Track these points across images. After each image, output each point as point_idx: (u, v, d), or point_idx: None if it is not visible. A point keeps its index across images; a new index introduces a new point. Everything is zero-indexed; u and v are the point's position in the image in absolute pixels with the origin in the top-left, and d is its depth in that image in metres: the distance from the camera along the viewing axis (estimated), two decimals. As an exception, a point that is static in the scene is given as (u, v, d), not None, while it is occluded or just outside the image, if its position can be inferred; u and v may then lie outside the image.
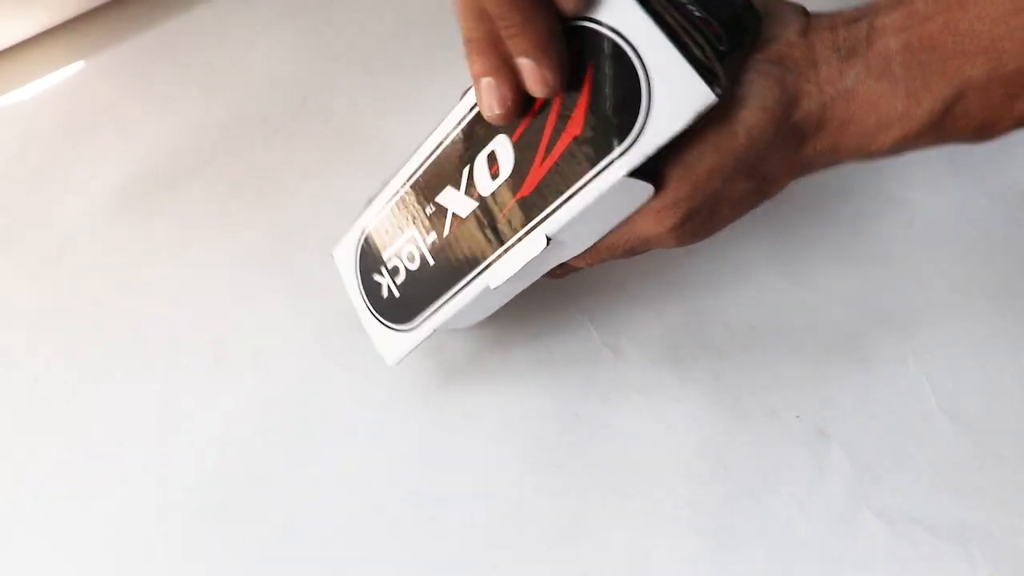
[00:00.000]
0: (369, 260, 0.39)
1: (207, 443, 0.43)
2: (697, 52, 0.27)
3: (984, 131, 0.29)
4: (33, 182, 0.53)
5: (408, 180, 0.36)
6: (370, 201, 0.39)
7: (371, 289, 0.39)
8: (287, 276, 0.48)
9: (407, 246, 0.37)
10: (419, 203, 0.36)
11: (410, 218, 0.36)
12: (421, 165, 0.35)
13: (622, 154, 0.29)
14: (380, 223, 0.38)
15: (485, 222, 0.33)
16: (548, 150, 0.30)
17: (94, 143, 0.54)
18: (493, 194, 0.33)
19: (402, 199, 0.37)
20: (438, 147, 0.34)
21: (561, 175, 0.30)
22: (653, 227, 0.31)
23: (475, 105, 0.32)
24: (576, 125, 0.29)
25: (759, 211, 0.47)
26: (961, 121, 0.28)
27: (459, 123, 0.33)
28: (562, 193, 0.31)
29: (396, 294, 0.38)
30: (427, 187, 0.35)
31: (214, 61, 0.56)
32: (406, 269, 0.37)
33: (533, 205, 0.32)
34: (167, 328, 0.47)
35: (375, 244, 0.39)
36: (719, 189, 0.30)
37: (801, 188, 0.48)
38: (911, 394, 0.41)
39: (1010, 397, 0.41)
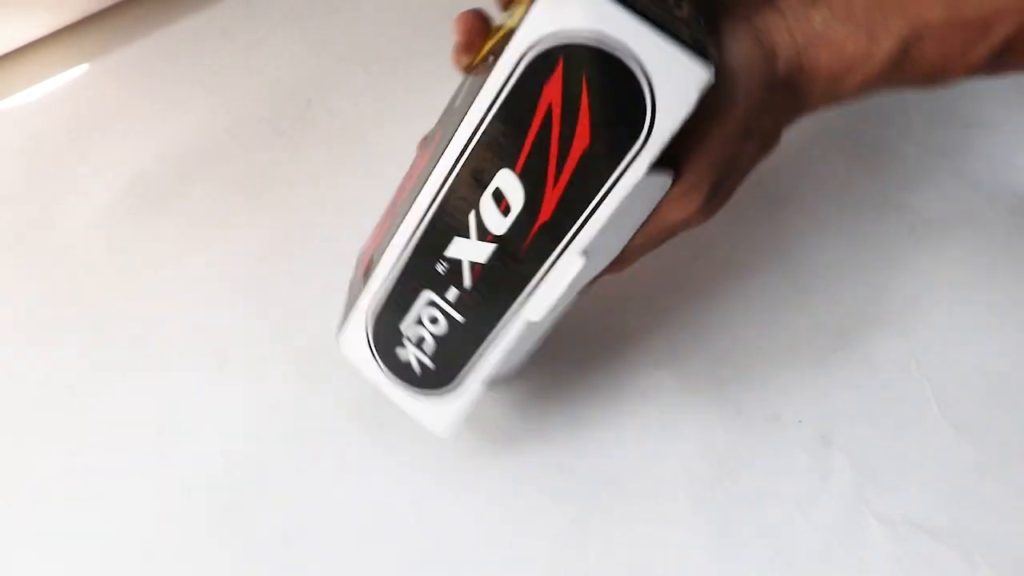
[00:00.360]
0: (385, 339, 0.36)
1: (210, 446, 0.43)
2: (684, 34, 0.28)
3: (939, 76, 0.30)
4: (38, 183, 0.53)
5: (407, 244, 0.34)
6: (362, 274, 0.36)
7: (398, 368, 0.36)
8: (291, 277, 0.48)
9: (426, 310, 0.34)
10: (426, 264, 0.34)
11: (421, 282, 0.34)
12: (418, 226, 0.33)
13: (638, 152, 0.29)
14: (386, 297, 0.35)
15: (509, 260, 0.32)
16: (559, 170, 0.30)
17: (99, 145, 0.54)
18: (509, 230, 0.32)
19: (405, 266, 0.34)
20: (432, 203, 0.33)
21: (579, 191, 0.30)
22: (681, 212, 0.32)
23: (464, 150, 0.31)
24: (583, 138, 0.29)
25: (761, 217, 0.47)
26: (918, 64, 0.30)
27: (449, 174, 0.32)
28: (584, 208, 0.30)
29: (430, 364, 0.36)
30: (432, 246, 0.33)
31: (218, 63, 0.57)
32: (432, 335, 0.35)
33: (556, 228, 0.31)
34: (171, 330, 0.47)
35: (387, 320, 0.36)
36: (731, 157, 0.31)
37: (803, 192, 0.48)
38: (913, 399, 0.41)
39: (1012, 402, 0.41)
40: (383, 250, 0.35)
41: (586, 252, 0.31)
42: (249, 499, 0.41)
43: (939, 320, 0.43)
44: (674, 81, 0.28)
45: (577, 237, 0.31)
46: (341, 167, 0.51)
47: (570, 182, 0.30)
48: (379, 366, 0.37)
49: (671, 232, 0.33)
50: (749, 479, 0.40)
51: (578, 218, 0.30)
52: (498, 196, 0.31)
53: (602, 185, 0.30)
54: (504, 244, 0.32)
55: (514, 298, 0.33)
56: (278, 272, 0.48)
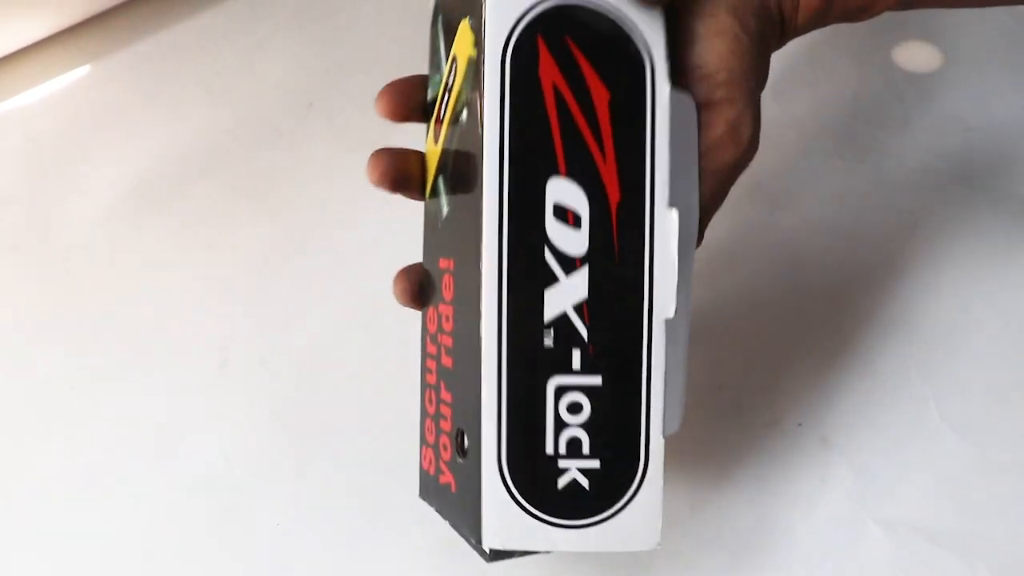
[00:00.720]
0: (540, 484, 0.28)
1: (210, 446, 0.43)
2: None
3: (865, 12, 0.34)
4: (40, 185, 0.53)
5: (501, 352, 0.28)
6: (448, 466, 0.30)
7: (567, 503, 0.28)
8: (292, 278, 0.48)
9: (562, 404, 0.28)
10: (532, 352, 0.28)
11: (538, 377, 0.28)
12: (500, 322, 0.28)
13: (653, 70, 0.28)
14: (513, 434, 0.28)
15: (609, 270, 0.28)
16: (599, 139, 0.28)
17: (100, 146, 0.54)
18: (591, 239, 0.28)
19: (512, 377, 0.28)
20: (500, 285, 0.28)
21: (629, 144, 0.28)
22: (736, 148, 0.32)
23: (501, 200, 0.28)
24: (601, 92, 0.28)
25: (761, 219, 0.47)
26: (843, 3, 0.33)
27: (500, 238, 0.28)
28: (643, 157, 0.28)
29: (597, 464, 0.28)
30: (527, 326, 0.28)
31: (220, 66, 0.57)
32: (582, 426, 0.28)
33: (633, 199, 0.28)
34: (171, 330, 0.47)
35: (528, 458, 0.28)
36: (755, 86, 0.32)
37: (803, 195, 0.48)
38: (913, 403, 0.41)
39: (1012, 406, 0.41)
40: (467, 405, 0.29)
41: (672, 203, 0.28)
42: (249, 499, 0.41)
43: (939, 323, 0.43)
44: (631, 5, 0.28)
45: (656, 192, 0.28)
46: (342, 169, 0.51)
47: (616, 143, 0.28)
48: (552, 523, 0.28)
49: (732, 173, 0.33)
50: (748, 482, 0.40)
51: (644, 172, 0.28)
52: (560, 212, 0.28)
53: (644, 121, 0.28)
54: (595, 257, 0.28)
55: (640, 307, 0.29)
56: (279, 273, 0.48)
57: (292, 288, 0.47)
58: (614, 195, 0.28)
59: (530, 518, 0.28)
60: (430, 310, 0.32)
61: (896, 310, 0.44)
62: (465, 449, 0.29)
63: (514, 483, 0.28)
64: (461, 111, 0.30)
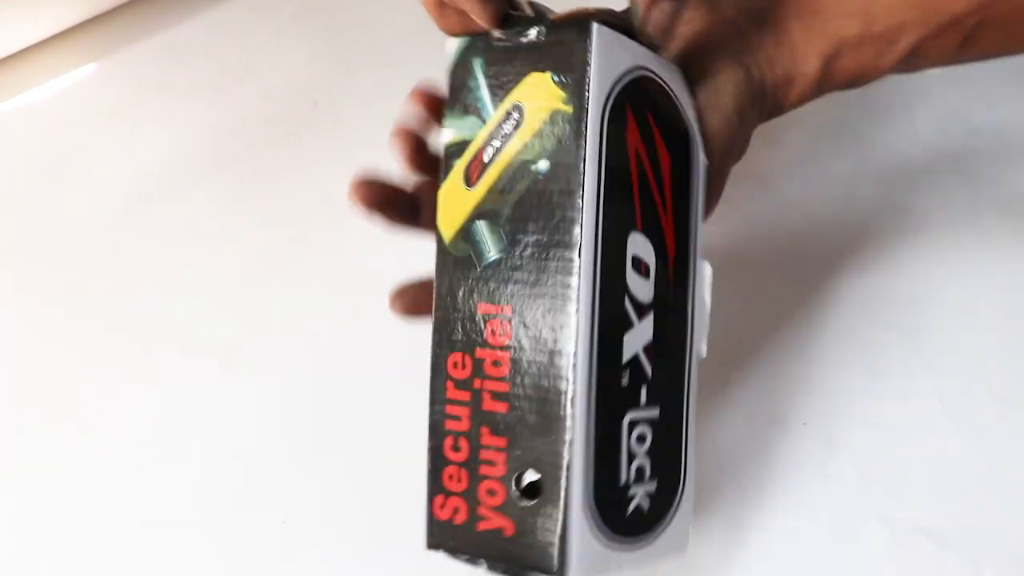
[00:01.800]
0: (611, 515, 0.29)
1: (215, 444, 0.43)
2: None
3: (858, 81, 0.35)
4: (44, 182, 0.53)
5: (591, 395, 0.28)
6: (521, 487, 0.29)
7: (635, 528, 0.30)
8: (296, 277, 0.48)
9: (633, 436, 0.30)
10: (614, 391, 0.29)
11: (618, 414, 0.29)
12: (591, 368, 0.28)
13: (695, 144, 0.32)
14: (596, 472, 0.28)
15: (667, 316, 0.31)
16: (663, 199, 0.31)
17: (105, 144, 0.54)
18: (656, 288, 0.30)
19: (599, 416, 0.28)
20: (592, 335, 0.28)
21: (680, 203, 0.31)
22: (710, 212, 0.35)
23: (596, 257, 0.28)
24: (665, 157, 0.31)
25: (765, 218, 0.47)
26: (839, 75, 0.34)
27: (593, 293, 0.28)
28: (688, 215, 0.32)
29: (654, 487, 0.31)
30: (611, 370, 0.29)
31: (224, 64, 0.57)
32: (645, 452, 0.30)
33: (682, 253, 0.31)
34: (175, 330, 0.47)
35: (608, 491, 0.29)
36: (733, 159, 0.34)
37: (807, 194, 0.48)
38: (918, 403, 0.41)
39: (1016, 406, 0.41)
40: (538, 447, 0.28)
41: (703, 254, 0.32)
42: (254, 497, 0.41)
43: (944, 324, 0.43)
44: (674, 80, 0.32)
45: (696, 245, 0.32)
46: (346, 168, 0.51)
47: (673, 203, 0.31)
48: (621, 549, 0.29)
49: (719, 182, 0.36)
50: (753, 480, 0.40)
51: (689, 228, 0.32)
52: (636, 263, 0.30)
53: (690, 184, 0.32)
54: (658, 304, 0.30)
55: (685, 347, 0.32)
56: (283, 272, 0.48)
57: (296, 287, 0.47)
58: (671, 249, 0.31)
59: (606, 549, 0.29)
60: (455, 355, 0.31)
61: (900, 309, 0.44)
62: (536, 492, 0.28)
63: (601, 517, 0.29)
64: (535, 161, 0.29)
